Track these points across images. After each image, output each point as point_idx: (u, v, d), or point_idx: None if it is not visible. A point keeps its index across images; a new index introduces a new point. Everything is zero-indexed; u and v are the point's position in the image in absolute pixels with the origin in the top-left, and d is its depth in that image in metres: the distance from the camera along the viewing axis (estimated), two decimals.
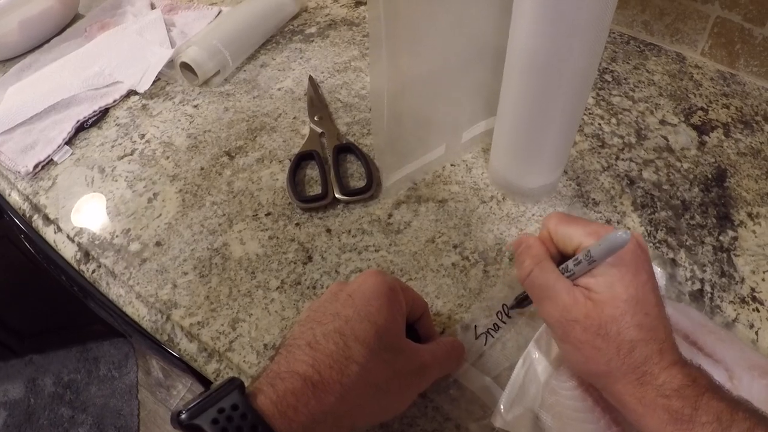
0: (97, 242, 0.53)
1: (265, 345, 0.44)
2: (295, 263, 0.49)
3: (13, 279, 1.21)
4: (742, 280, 0.46)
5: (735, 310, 0.44)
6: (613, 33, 0.71)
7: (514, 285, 0.45)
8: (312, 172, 0.56)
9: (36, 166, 0.61)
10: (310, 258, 0.49)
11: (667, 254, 0.48)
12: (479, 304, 0.44)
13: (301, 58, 0.70)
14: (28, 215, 0.59)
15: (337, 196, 0.52)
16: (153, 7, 0.80)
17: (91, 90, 0.67)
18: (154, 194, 0.56)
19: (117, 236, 0.53)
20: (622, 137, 0.58)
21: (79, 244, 0.54)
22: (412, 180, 0.54)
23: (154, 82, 0.68)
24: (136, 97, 0.67)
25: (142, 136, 0.62)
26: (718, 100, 0.62)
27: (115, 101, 0.66)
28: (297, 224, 0.52)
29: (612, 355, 0.32)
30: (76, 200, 0.57)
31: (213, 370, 0.44)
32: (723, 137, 0.58)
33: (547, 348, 0.40)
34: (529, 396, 0.39)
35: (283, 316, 0.45)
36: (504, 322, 0.43)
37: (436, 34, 0.44)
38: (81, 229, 0.54)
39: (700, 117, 0.60)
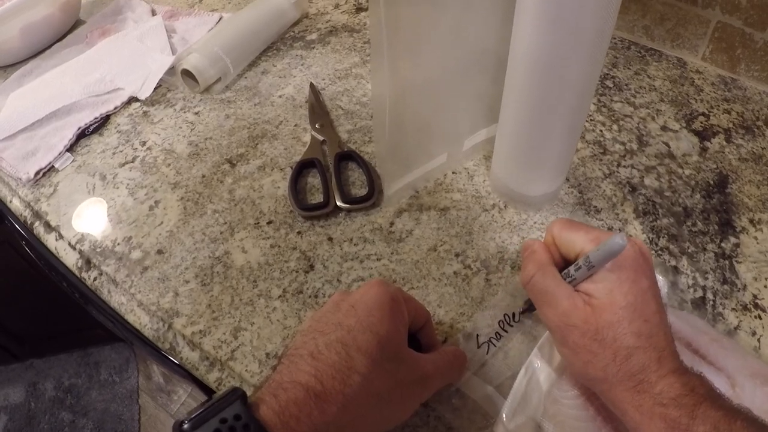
0: (98, 250, 0.53)
1: (267, 354, 0.44)
2: (296, 272, 0.49)
3: (14, 283, 1.21)
4: (744, 287, 0.46)
5: (737, 317, 0.44)
6: (614, 38, 0.71)
7: (516, 293, 0.45)
8: (313, 180, 0.56)
9: (37, 173, 0.61)
10: (311, 267, 0.49)
11: (669, 262, 0.48)
12: (481, 313, 0.44)
13: (302, 64, 0.70)
14: (29, 222, 0.59)
15: (338, 204, 0.52)
16: (154, 13, 0.81)
17: (92, 97, 0.67)
18: (156, 202, 0.56)
19: (118, 244, 0.53)
20: (623, 144, 0.58)
21: (80, 252, 0.54)
22: (413, 188, 0.54)
23: (156, 88, 0.68)
24: (137, 104, 0.67)
25: (144, 143, 0.62)
26: (719, 106, 0.62)
27: (116, 108, 0.66)
28: (299, 232, 0.52)
29: (608, 361, 0.32)
30: (77, 207, 0.57)
31: (215, 379, 0.44)
32: (724, 143, 0.58)
33: (550, 357, 0.40)
34: (531, 405, 0.39)
35: (285, 325, 0.45)
36: (506, 331, 0.43)
37: (437, 41, 0.44)
38: (82, 236, 0.54)
39: (701, 123, 0.60)
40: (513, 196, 0.51)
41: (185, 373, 0.51)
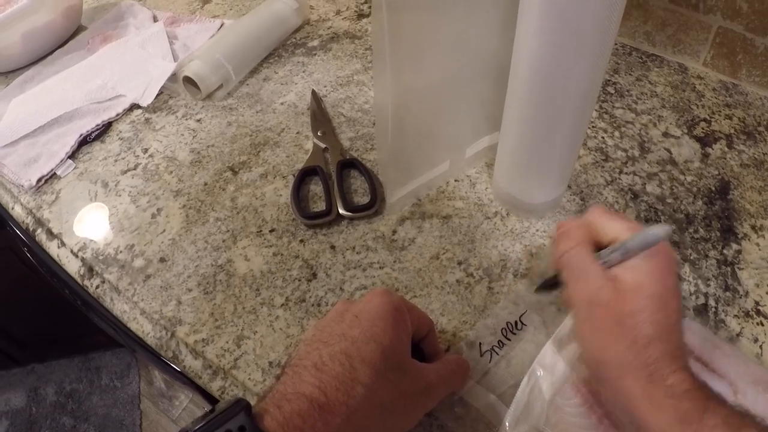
0: (101, 257, 0.53)
1: (270, 363, 0.44)
2: (299, 280, 0.49)
3: (16, 289, 1.21)
4: (746, 293, 0.46)
5: (739, 324, 0.44)
6: (616, 44, 0.71)
7: (519, 302, 0.45)
8: (316, 187, 0.56)
9: (39, 180, 0.61)
10: (314, 275, 0.49)
11: None
12: (484, 321, 0.44)
13: (303, 71, 0.70)
14: (31, 229, 0.59)
15: (341, 212, 0.52)
16: (155, 19, 0.81)
17: (94, 103, 0.67)
18: (158, 210, 0.56)
19: (121, 252, 0.53)
20: (625, 150, 0.58)
21: (82, 259, 0.54)
22: (416, 196, 0.54)
23: (157, 95, 0.68)
24: (139, 111, 0.67)
25: (146, 150, 0.62)
26: (720, 111, 0.62)
27: (118, 115, 0.66)
28: (301, 241, 0.52)
29: (627, 346, 0.32)
30: (79, 215, 0.57)
31: (218, 388, 0.44)
32: (726, 149, 0.58)
33: (552, 365, 0.40)
34: (534, 414, 0.39)
35: (288, 334, 0.45)
36: (509, 339, 0.43)
37: (440, 48, 0.44)
38: (85, 244, 0.54)
39: (702, 128, 0.60)
40: (515, 203, 0.52)
41: (187, 381, 0.51)
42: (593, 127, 0.60)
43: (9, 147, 0.65)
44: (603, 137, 0.59)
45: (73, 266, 0.54)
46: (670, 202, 0.53)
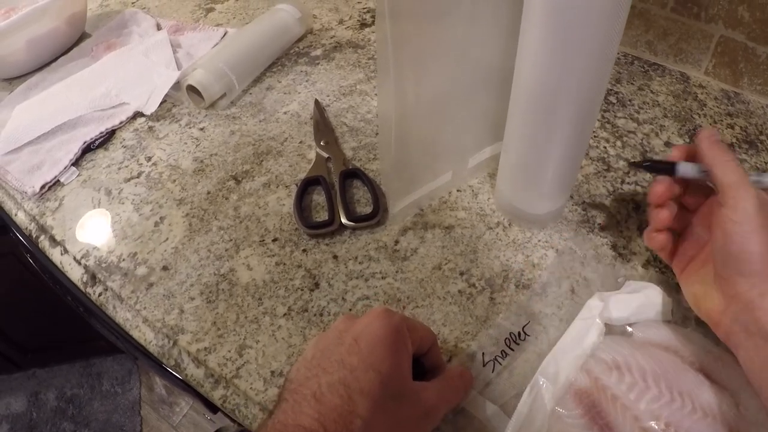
0: (103, 265, 0.53)
1: (272, 372, 0.44)
2: (302, 290, 0.49)
3: (19, 294, 1.21)
4: None
5: None
6: (618, 53, 0.71)
7: (521, 312, 0.45)
8: (318, 197, 0.56)
9: (43, 187, 0.61)
10: (317, 285, 0.49)
11: (672, 279, 0.48)
12: (486, 332, 0.44)
13: (306, 81, 0.71)
14: (34, 236, 0.59)
15: (343, 222, 0.52)
16: (159, 27, 0.81)
17: (98, 111, 0.67)
18: (161, 218, 0.56)
19: (124, 260, 0.53)
20: (627, 160, 0.58)
21: (85, 267, 0.54)
22: (418, 206, 0.54)
23: (161, 104, 0.68)
24: (143, 119, 0.68)
25: (149, 158, 0.62)
26: (722, 120, 0.62)
27: (121, 123, 0.67)
28: (304, 250, 0.52)
29: None
30: (82, 222, 0.57)
31: (220, 396, 0.44)
32: None
33: (555, 376, 0.40)
34: (535, 425, 0.39)
35: (290, 343, 0.45)
36: (512, 349, 0.43)
37: (443, 59, 0.44)
38: (87, 251, 0.55)
39: None
40: (517, 214, 0.52)
41: (189, 388, 0.51)
42: (595, 136, 0.61)
43: (13, 154, 0.65)
44: (605, 147, 0.59)
45: (75, 273, 0.54)
46: None
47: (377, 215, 0.52)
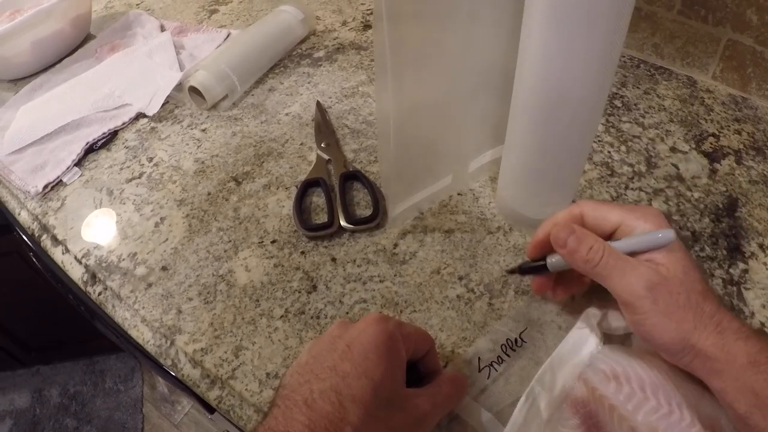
0: (103, 265, 0.53)
1: (268, 374, 0.44)
2: (299, 292, 0.49)
3: (23, 292, 1.22)
4: (752, 314, 0.45)
5: None
6: (623, 56, 0.71)
7: (520, 319, 0.44)
8: (318, 199, 0.56)
9: (45, 187, 0.61)
10: (314, 287, 0.49)
11: None
12: (483, 337, 0.44)
13: (308, 82, 0.70)
14: (36, 235, 0.59)
15: (342, 224, 0.52)
16: (163, 29, 0.81)
17: (101, 112, 0.68)
18: (161, 218, 0.56)
19: (123, 259, 0.53)
20: (631, 165, 0.57)
21: (86, 266, 0.54)
22: (418, 209, 0.54)
23: (163, 105, 0.68)
24: (145, 120, 0.68)
25: (151, 159, 0.62)
26: (729, 126, 0.61)
27: (124, 124, 0.67)
28: (302, 252, 0.51)
29: (694, 309, 0.34)
30: (84, 222, 0.58)
31: (215, 397, 0.44)
32: (735, 164, 0.57)
33: (551, 384, 0.39)
34: None
35: (286, 345, 0.45)
36: (508, 356, 0.43)
37: (442, 61, 0.44)
38: (88, 251, 0.55)
39: (711, 144, 0.59)
40: (519, 218, 0.51)
41: (186, 388, 0.51)
42: (599, 141, 0.60)
43: (17, 153, 0.65)
44: (609, 152, 0.59)
45: (76, 272, 0.54)
46: (677, 219, 0.52)
47: (377, 218, 0.52)
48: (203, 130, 0.65)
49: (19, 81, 0.77)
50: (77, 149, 0.64)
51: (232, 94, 0.67)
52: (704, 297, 0.35)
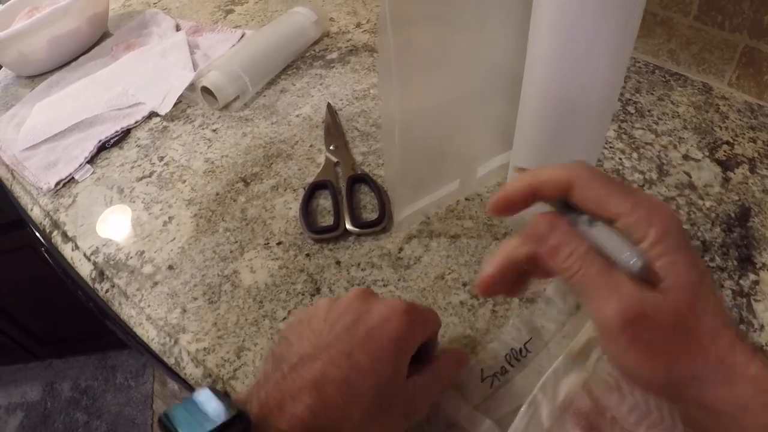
0: (111, 262, 0.54)
1: None
2: (303, 294, 0.49)
3: (37, 286, 1.24)
4: (762, 327, 0.45)
5: None
6: (638, 62, 0.70)
7: (523, 328, 0.44)
8: (325, 202, 0.56)
9: (58, 183, 0.62)
10: (318, 290, 0.49)
11: None
12: (487, 348, 0.43)
13: (320, 84, 0.71)
14: (48, 231, 0.60)
15: (348, 227, 0.52)
16: (178, 28, 0.82)
17: (114, 110, 0.68)
18: (170, 218, 0.56)
19: (131, 257, 0.54)
20: (643, 173, 0.56)
21: (94, 263, 0.54)
22: (424, 214, 0.54)
23: (176, 104, 0.69)
24: (158, 119, 0.68)
25: (161, 158, 0.63)
26: (744, 134, 0.60)
27: (136, 122, 0.68)
28: (307, 255, 0.51)
29: (696, 353, 0.26)
30: (94, 219, 0.58)
31: None
32: (748, 173, 0.56)
33: (554, 393, 0.39)
34: None
35: None
36: (512, 366, 0.42)
37: (450, 63, 0.43)
38: (97, 248, 0.55)
39: (725, 152, 0.58)
40: (526, 225, 0.50)
41: (189, 387, 0.51)
42: (611, 147, 0.59)
43: (31, 150, 0.66)
44: (620, 158, 0.58)
45: (85, 269, 0.55)
46: (687, 228, 0.51)
47: (382, 222, 0.52)
48: (214, 131, 0.66)
49: (36, 78, 0.79)
50: (90, 147, 0.65)
51: (243, 95, 0.68)
52: (713, 336, 0.26)
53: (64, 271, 0.67)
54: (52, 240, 0.59)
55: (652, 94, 0.66)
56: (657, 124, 0.62)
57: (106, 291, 0.53)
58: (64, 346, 1.52)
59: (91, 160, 0.64)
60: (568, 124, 0.40)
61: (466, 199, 0.55)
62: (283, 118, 0.66)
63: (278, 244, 0.53)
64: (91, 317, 1.08)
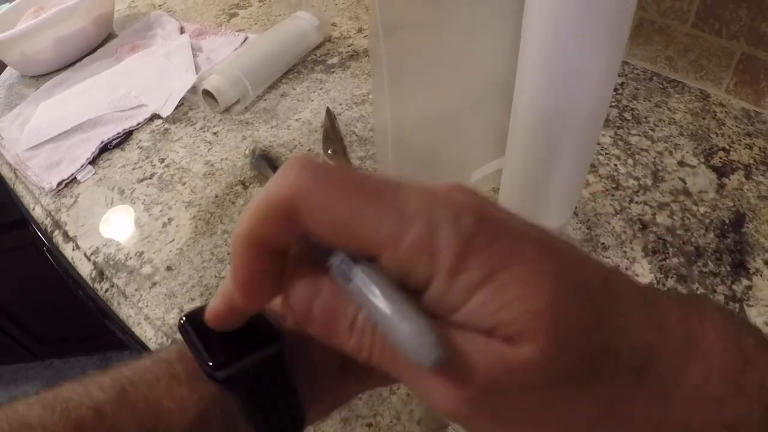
0: (111, 262, 0.54)
1: None
2: None
3: (38, 285, 1.24)
4: None
5: None
6: (636, 69, 0.70)
7: None
8: None
9: (60, 183, 0.63)
10: None
11: None
12: None
13: (320, 88, 0.71)
14: (49, 230, 0.60)
15: None
16: (182, 30, 0.83)
17: (117, 111, 0.69)
18: (169, 219, 0.57)
19: (131, 258, 0.54)
20: (637, 179, 0.57)
21: (94, 263, 0.55)
22: None
23: (177, 106, 0.70)
24: (159, 121, 0.69)
25: (162, 160, 0.64)
26: (740, 140, 0.61)
27: (139, 124, 0.68)
28: None
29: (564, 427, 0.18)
30: (95, 220, 0.59)
31: None
32: (744, 180, 0.57)
33: None
34: None
35: None
36: None
37: (442, 71, 0.43)
38: (97, 248, 0.56)
39: (720, 158, 0.59)
40: None
41: None
42: (606, 153, 0.60)
43: (34, 149, 0.67)
44: (616, 164, 0.58)
45: (85, 269, 0.56)
46: (680, 233, 0.52)
47: None
48: (215, 133, 0.66)
49: (40, 77, 0.79)
50: (92, 148, 0.65)
51: (244, 99, 0.68)
52: (612, 369, 0.17)
53: (65, 271, 0.68)
54: (54, 239, 0.60)
55: (649, 100, 0.66)
56: (653, 130, 0.62)
57: (106, 291, 0.53)
58: (64, 345, 1.52)
59: (93, 161, 0.65)
60: (559, 131, 0.41)
61: None
62: (283, 122, 0.67)
63: None
64: (91, 317, 1.09)
